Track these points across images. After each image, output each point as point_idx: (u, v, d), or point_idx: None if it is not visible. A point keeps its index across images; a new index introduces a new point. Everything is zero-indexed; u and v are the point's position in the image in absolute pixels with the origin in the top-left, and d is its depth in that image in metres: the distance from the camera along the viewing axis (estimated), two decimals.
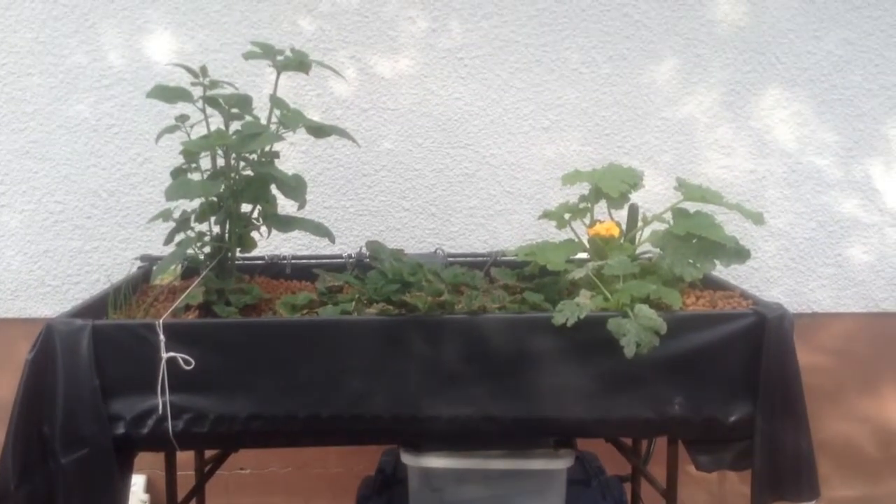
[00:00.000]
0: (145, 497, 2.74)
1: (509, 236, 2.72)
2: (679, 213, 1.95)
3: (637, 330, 1.67)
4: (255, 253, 2.04)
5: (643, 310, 1.70)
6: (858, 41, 2.69)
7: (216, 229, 1.94)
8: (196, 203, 1.93)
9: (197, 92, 1.90)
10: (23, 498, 1.66)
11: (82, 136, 2.62)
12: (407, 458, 1.94)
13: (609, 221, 2.00)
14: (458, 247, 2.68)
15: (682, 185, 1.99)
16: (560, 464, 1.95)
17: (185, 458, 1.99)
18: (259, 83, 2.53)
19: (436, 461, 1.93)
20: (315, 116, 2.61)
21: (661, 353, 1.70)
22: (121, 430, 1.68)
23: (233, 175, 1.91)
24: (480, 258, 2.36)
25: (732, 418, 1.75)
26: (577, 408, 1.75)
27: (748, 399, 1.75)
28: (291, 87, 2.59)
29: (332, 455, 2.81)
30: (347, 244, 2.61)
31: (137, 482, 2.72)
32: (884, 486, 2.86)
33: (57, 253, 2.66)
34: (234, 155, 1.89)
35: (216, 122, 1.92)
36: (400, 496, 2.02)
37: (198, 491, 2.17)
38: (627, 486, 2.27)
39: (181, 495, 1.98)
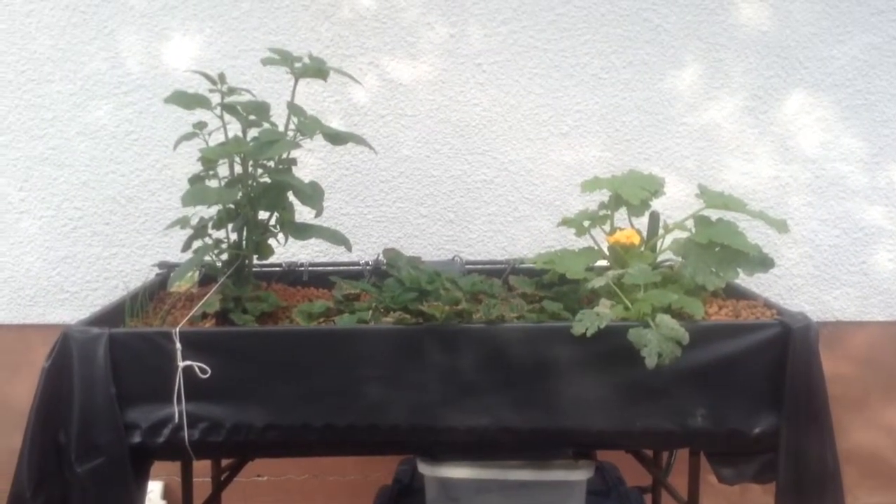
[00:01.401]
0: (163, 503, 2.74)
1: (528, 243, 2.69)
2: (701, 220, 1.92)
3: (658, 340, 1.64)
4: (272, 260, 2.03)
5: (665, 320, 1.67)
6: (884, 45, 2.65)
7: (233, 236, 1.93)
8: (214, 210, 1.93)
9: (215, 99, 1.90)
10: None
11: (101, 142, 2.63)
12: (424, 468, 1.92)
13: (629, 229, 1.97)
14: (476, 254, 2.66)
15: (703, 193, 1.96)
16: (580, 475, 1.92)
17: (202, 465, 1.98)
18: (277, 90, 2.53)
19: (453, 471, 1.91)
20: (333, 123, 2.60)
21: (684, 364, 1.66)
22: (137, 438, 1.67)
23: (250, 182, 1.90)
24: (499, 266, 2.34)
25: (756, 430, 1.72)
26: (598, 419, 1.72)
27: (772, 411, 1.71)
28: (309, 93, 2.59)
29: (349, 463, 2.79)
30: (365, 251, 2.60)
31: (154, 489, 2.72)
32: None
33: (76, 259, 2.67)
34: (251, 162, 1.89)
35: (234, 128, 1.92)
36: None
37: (214, 498, 2.16)
38: (648, 498, 2.24)
39: (198, 502, 1.97)
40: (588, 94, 2.65)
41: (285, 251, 2.50)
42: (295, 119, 1.91)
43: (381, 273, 2.19)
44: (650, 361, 1.63)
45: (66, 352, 1.66)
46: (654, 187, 2.00)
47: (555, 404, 1.72)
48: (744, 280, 1.96)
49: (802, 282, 2.73)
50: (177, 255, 2.15)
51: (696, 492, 1.89)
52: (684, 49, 2.64)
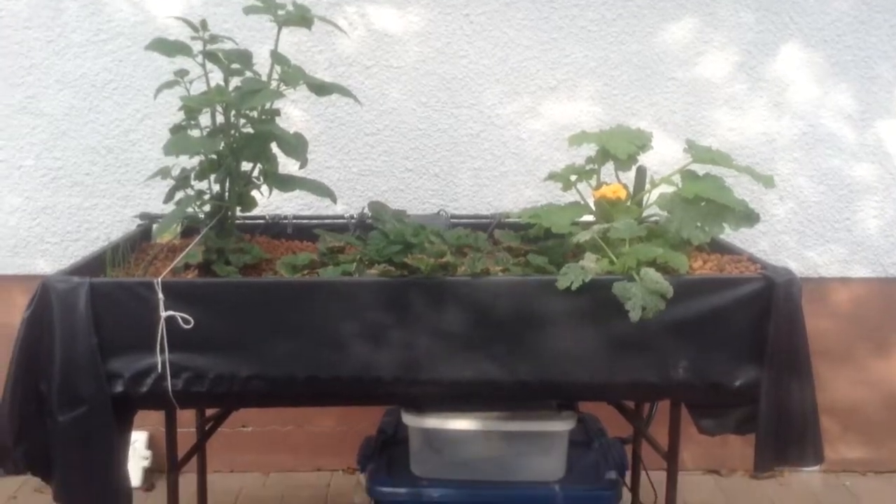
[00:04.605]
0: (147, 454, 2.75)
1: (514, 198, 2.68)
2: (688, 175, 1.91)
3: (643, 294, 1.65)
4: (255, 212, 2.01)
5: (649, 273, 1.67)
6: (874, 2, 2.62)
7: (216, 188, 1.91)
8: (195, 161, 1.90)
9: (197, 46, 1.86)
10: (21, 456, 1.66)
11: (80, 90, 2.58)
12: (408, 419, 1.94)
13: (616, 184, 1.96)
14: (461, 208, 2.65)
15: (691, 147, 1.95)
16: (562, 426, 1.94)
17: (186, 415, 1.99)
18: (260, 38, 2.48)
19: (437, 422, 1.92)
20: (318, 74, 2.55)
21: (667, 318, 1.67)
22: (119, 388, 1.67)
23: (233, 132, 1.87)
24: (484, 220, 2.33)
25: (738, 383, 1.73)
26: (581, 372, 1.73)
27: (754, 364, 1.73)
28: (293, 42, 2.54)
29: (333, 414, 2.81)
30: (350, 204, 2.58)
31: (139, 439, 2.73)
32: (889, 448, 2.86)
33: (56, 210, 2.63)
34: (234, 112, 1.85)
35: (216, 78, 1.88)
36: (401, 456, 2.02)
37: (198, 448, 2.17)
38: (629, 448, 2.27)
39: (182, 453, 1.98)
40: (577, 47, 2.62)
41: (269, 203, 2.46)
42: (278, 68, 1.88)
43: (366, 226, 2.18)
44: (634, 315, 1.64)
45: (45, 301, 1.64)
46: (642, 142, 1.99)
47: (539, 357, 1.72)
48: (728, 236, 1.96)
49: (787, 237, 2.73)
50: (159, 207, 2.12)
51: (677, 443, 1.91)
52: (675, 2, 2.60)
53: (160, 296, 1.64)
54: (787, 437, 1.75)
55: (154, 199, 2.54)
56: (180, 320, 1.64)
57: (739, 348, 1.72)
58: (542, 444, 1.95)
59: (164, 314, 1.64)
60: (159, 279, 1.65)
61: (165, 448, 1.91)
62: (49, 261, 2.64)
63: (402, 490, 1.95)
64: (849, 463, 2.86)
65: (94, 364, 1.64)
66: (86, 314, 1.63)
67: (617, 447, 2.16)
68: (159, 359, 1.66)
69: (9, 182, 2.61)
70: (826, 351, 2.67)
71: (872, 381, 2.83)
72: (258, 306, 1.69)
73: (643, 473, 2.30)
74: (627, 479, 2.23)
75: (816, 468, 2.80)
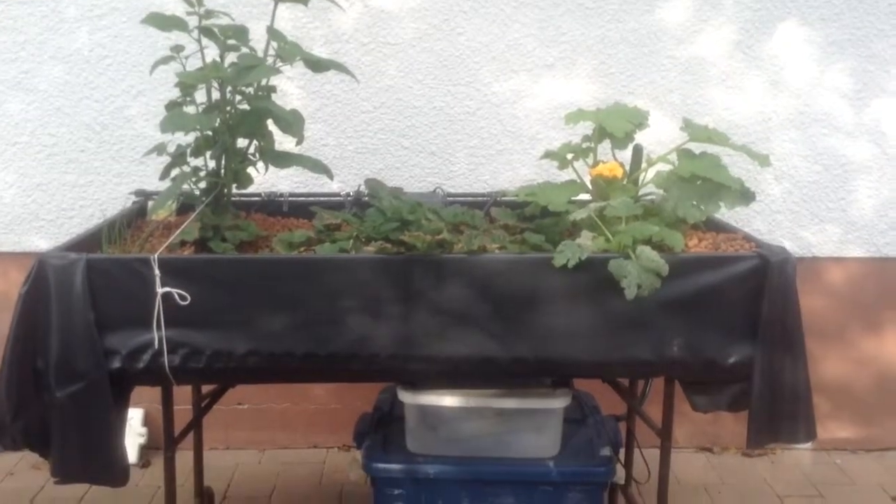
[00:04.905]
0: (143, 430, 2.76)
1: (510, 176, 2.68)
2: (684, 154, 1.92)
3: (638, 272, 1.65)
4: (251, 189, 2.01)
5: (645, 251, 1.68)
6: None
7: (212, 164, 1.90)
8: (191, 137, 1.89)
9: (192, 22, 1.84)
10: (18, 432, 1.67)
11: (75, 66, 2.56)
12: (404, 396, 1.95)
13: (612, 162, 1.96)
14: (458, 186, 2.65)
15: (688, 126, 1.95)
16: (557, 403, 1.95)
17: (182, 394, 1.99)
18: (256, 14, 2.46)
19: (433, 399, 1.93)
20: (314, 50, 2.54)
21: (663, 296, 1.68)
22: (116, 364, 1.68)
23: (229, 109, 1.86)
24: (481, 198, 2.33)
25: (731, 360, 1.75)
26: (577, 349, 1.74)
27: (748, 341, 1.74)
28: (290, 18, 2.52)
29: (329, 391, 2.82)
30: (346, 182, 2.58)
31: (135, 416, 2.74)
32: (880, 427, 2.89)
33: (51, 187, 2.62)
34: (229, 88, 1.84)
35: (212, 54, 1.87)
36: (397, 433, 2.03)
37: (195, 425, 2.18)
38: (623, 426, 2.28)
39: (178, 430, 1.99)
40: (575, 24, 2.61)
41: (264, 181, 2.46)
42: (275, 44, 1.86)
43: (362, 204, 2.18)
44: (630, 292, 1.65)
45: (42, 278, 1.64)
46: (639, 120, 1.98)
47: (534, 334, 1.73)
48: (723, 215, 1.97)
49: (782, 217, 2.74)
50: (154, 184, 2.12)
51: (670, 420, 1.93)
52: None
53: (156, 272, 1.64)
54: (780, 414, 1.76)
55: (150, 176, 2.53)
56: (177, 297, 1.64)
57: (733, 326, 1.74)
58: (537, 421, 1.97)
59: (160, 290, 1.64)
60: (156, 255, 1.65)
61: (162, 425, 1.92)
62: (44, 238, 2.63)
63: (398, 466, 1.96)
64: (840, 441, 2.88)
65: (91, 340, 1.64)
66: (82, 290, 1.63)
67: (611, 424, 2.18)
68: (156, 335, 1.66)
69: (3, 158, 2.60)
70: (819, 330, 2.68)
71: (865, 359, 2.85)
72: (255, 283, 1.69)
73: (637, 450, 2.32)
74: (621, 455, 2.25)
75: (808, 446, 2.82)
